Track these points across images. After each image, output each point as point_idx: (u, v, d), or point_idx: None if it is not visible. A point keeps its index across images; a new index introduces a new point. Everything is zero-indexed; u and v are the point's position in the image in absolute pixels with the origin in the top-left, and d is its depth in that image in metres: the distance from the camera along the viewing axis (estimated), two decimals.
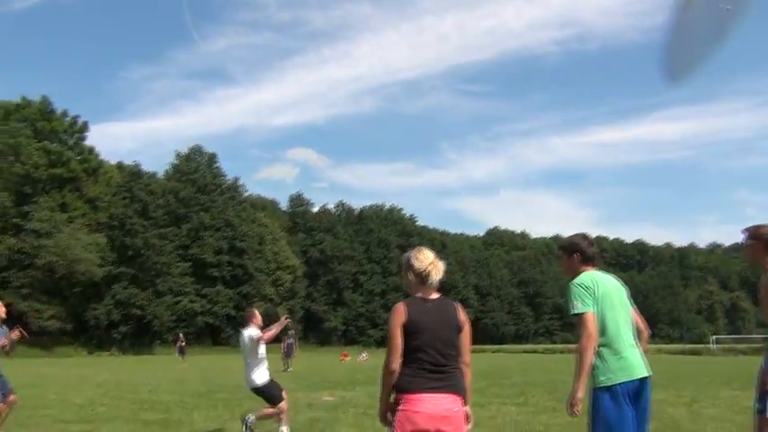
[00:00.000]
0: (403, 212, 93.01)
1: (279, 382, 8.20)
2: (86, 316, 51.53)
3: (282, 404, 7.76)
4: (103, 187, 58.08)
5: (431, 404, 3.23)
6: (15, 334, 7.37)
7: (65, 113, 57.45)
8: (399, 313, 3.37)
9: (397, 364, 3.31)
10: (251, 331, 7.78)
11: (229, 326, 60.36)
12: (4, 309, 7.74)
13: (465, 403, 3.37)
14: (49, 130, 54.61)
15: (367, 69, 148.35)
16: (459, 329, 3.42)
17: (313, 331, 74.01)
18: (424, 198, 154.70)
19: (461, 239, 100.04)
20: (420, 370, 3.29)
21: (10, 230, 48.45)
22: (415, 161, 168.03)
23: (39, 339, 48.30)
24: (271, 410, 7.81)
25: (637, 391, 3.68)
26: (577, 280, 3.84)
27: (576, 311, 3.71)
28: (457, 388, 3.34)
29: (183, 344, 39.40)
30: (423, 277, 3.45)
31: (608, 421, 3.60)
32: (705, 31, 2.46)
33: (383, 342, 40.91)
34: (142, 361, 39.43)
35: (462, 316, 3.46)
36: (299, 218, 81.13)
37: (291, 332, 27.36)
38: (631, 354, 3.75)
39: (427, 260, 3.47)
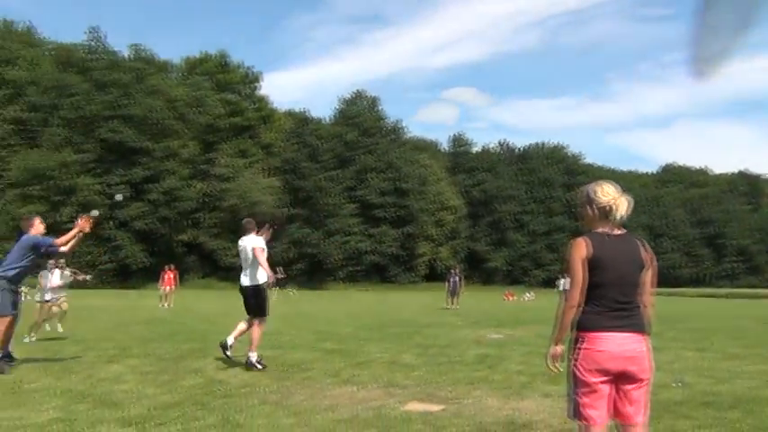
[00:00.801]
0: (567, 150, 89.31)
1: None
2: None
3: (248, 326, 8.48)
4: (276, 134, 61.80)
5: (614, 343, 3.15)
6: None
7: (240, 65, 61.46)
8: (581, 247, 3.24)
9: (580, 299, 3.22)
10: (253, 241, 8.54)
11: (395, 264, 62.54)
12: (42, 225, 8.68)
13: (648, 344, 3.24)
14: (227, 82, 58.85)
15: (527, 2, 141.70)
16: (642, 267, 3.26)
17: (476, 271, 74.52)
18: (589, 134, 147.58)
19: (631, 177, 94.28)
20: (602, 308, 3.20)
21: (199, 176, 53.39)
22: (580, 95, 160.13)
23: (227, 274, 53.47)
24: (244, 329, 8.45)
25: None
26: None
27: None
28: (641, 327, 3.22)
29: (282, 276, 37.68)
30: (605, 212, 3.30)
31: None
32: (731, 22, 2.31)
33: (548, 283, 40.41)
34: (317, 296, 42.20)
35: (647, 253, 3.29)
36: (460, 158, 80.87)
37: (456, 270, 27.79)
38: None
39: (610, 195, 3.31)
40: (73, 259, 42.06)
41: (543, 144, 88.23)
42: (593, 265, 3.21)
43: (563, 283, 35.88)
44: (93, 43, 49.81)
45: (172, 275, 24.51)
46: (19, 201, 44.17)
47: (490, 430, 5.02)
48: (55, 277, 12.04)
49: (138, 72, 48.73)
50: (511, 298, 40.98)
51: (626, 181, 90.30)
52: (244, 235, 8.70)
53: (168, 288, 24.02)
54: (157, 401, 5.93)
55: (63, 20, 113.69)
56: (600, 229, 3.31)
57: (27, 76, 48.22)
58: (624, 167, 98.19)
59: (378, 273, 63.58)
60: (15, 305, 7.83)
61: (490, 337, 12.91)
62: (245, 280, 8.52)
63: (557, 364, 3.40)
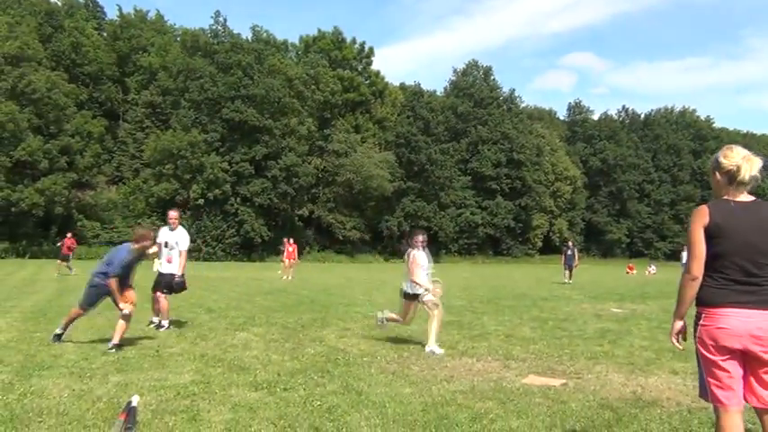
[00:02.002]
0: (696, 114, 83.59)
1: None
2: (381, 227, 56.84)
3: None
4: (389, 108, 62.19)
5: (737, 320, 2.91)
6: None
7: (353, 41, 62.19)
8: (701, 215, 3.01)
9: (699, 271, 3.00)
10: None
11: (510, 237, 61.64)
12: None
13: None
14: (341, 58, 59.79)
15: None
16: None
17: (594, 243, 71.95)
18: (721, 96, 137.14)
19: None
20: (726, 281, 2.95)
21: (316, 152, 54.89)
22: (710, 55, 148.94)
23: (344, 247, 54.94)
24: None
25: None
26: None
27: None
28: None
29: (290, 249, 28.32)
30: (731, 175, 3.01)
31: None
32: None
33: (673, 256, 38.20)
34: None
35: None
36: (577, 126, 77.90)
37: (570, 243, 26.92)
38: None
39: (738, 156, 3.02)
40: (199, 234, 45.01)
41: (670, 108, 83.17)
42: (713, 233, 2.97)
43: (685, 255, 34.23)
44: (216, 27, 52.23)
45: (291, 249, 25.27)
46: (153, 179, 47.50)
47: (615, 406, 4.88)
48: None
49: (258, 53, 50.54)
50: (632, 271, 39.26)
51: (763, 145, 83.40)
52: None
53: (289, 261, 24.82)
54: (283, 368, 6.24)
55: (189, 5, 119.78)
56: (726, 196, 3.06)
57: (158, 61, 51.45)
58: (761, 130, 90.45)
59: (492, 245, 62.95)
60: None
61: (611, 311, 12.47)
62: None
63: (679, 341, 3.19)
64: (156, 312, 9.14)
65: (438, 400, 4.99)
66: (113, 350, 6.97)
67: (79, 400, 4.85)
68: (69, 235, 24.43)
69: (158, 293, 9.08)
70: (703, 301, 3.03)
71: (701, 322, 3.03)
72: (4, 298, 13.21)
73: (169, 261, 9.17)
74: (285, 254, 25.19)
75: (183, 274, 9.19)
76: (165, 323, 8.90)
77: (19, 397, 4.92)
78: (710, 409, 4.79)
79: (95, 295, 7.65)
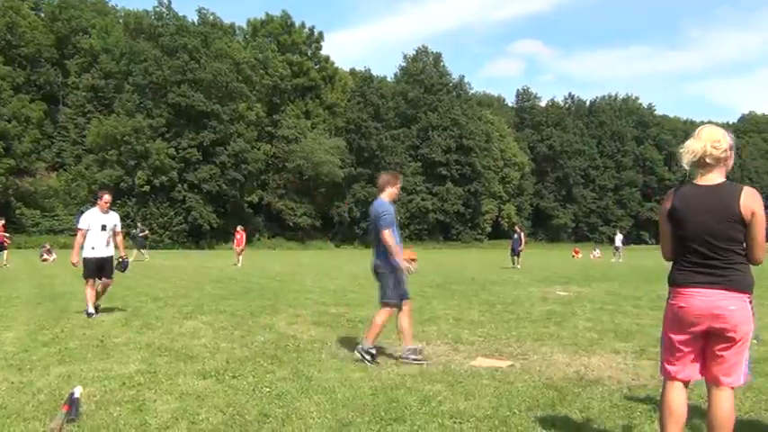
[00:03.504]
0: (639, 102, 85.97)
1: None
2: (331, 213, 56.71)
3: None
4: (339, 93, 61.88)
5: (699, 299, 2.99)
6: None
7: (302, 25, 61.45)
8: (666, 200, 3.11)
9: (665, 253, 3.16)
10: None
11: (459, 222, 62.38)
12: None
13: (750, 301, 3.00)
14: (290, 43, 59.05)
15: None
16: (733, 220, 2.93)
17: (542, 228, 73.49)
18: (662, 84, 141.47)
19: None
20: (687, 263, 3.05)
21: (265, 138, 54.27)
22: (652, 44, 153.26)
23: (294, 234, 54.62)
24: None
25: None
26: None
27: None
28: (734, 284, 2.96)
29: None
30: (692, 158, 3.01)
31: None
32: None
33: (623, 240, 39.19)
34: None
35: (747, 204, 2.93)
36: (525, 113, 79.18)
37: (517, 228, 27.39)
38: None
39: (697, 135, 3.03)
40: (146, 221, 44.11)
41: (613, 96, 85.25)
42: (673, 217, 3.06)
43: (618, 238, 35.53)
44: (161, 9, 50.80)
45: (239, 236, 25.10)
46: (96, 165, 46.11)
47: (559, 386, 5.01)
48: None
49: (205, 36, 49.47)
50: (578, 255, 40.30)
51: None
52: None
53: (239, 248, 24.73)
54: (232, 355, 6.17)
55: None
56: (696, 180, 3.08)
57: (100, 44, 49.76)
58: (700, 118, 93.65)
59: (442, 231, 63.62)
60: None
61: (557, 294, 12.77)
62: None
63: None
64: (98, 297, 9.06)
65: (388, 384, 5.03)
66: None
67: (18, 393, 4.70)
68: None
69: (104, 278, 9.02)
70: (670, 281, 3.15)
71: (669, 300, 3.14)
72: None
73: (107, 244, 9.00)
74: (235, 241, 25.11)
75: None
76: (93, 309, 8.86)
77: None
78: (649, 387, 4.98)
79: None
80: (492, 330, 7.87)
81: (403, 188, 49.31)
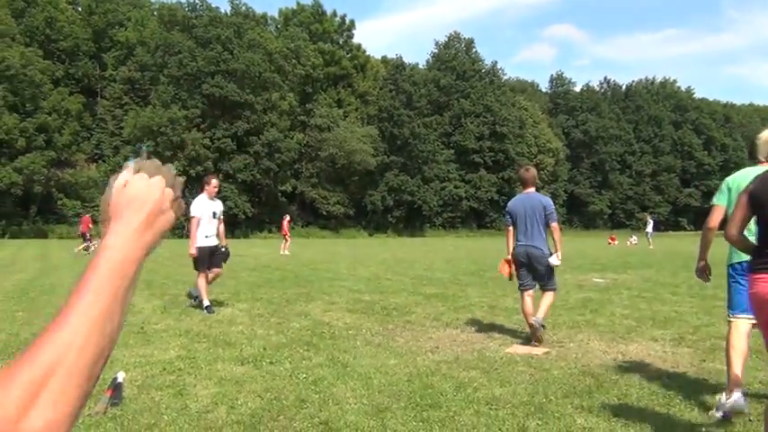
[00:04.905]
0: (677, 85, 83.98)
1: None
2: (364, 202, 56.82)
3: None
4: (371, 82, 61.76)
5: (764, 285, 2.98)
6: None
7: (334, 14, 61.41)
8: (752, 183, 3.12)
9: (734, 232, 3.12)
10: None
11: (493, 210, 61.97)
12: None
13: None
14: (322, 32, 59.07)
15: None
16: None
17: (577, 214, 72.59)
18: (701, 67, 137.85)
19: (749, 111, 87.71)
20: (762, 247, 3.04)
21: (298, 127, 54.50)
22: (691, 26, 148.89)
23: (327, 222, 54.92)
24: None
25: None
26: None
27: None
28: None
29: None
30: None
31: None
32: None
33: (655, 226, 38.46)
34: (415, 242, 42.60)
35: None
36: (559, 99, 78.02)
37: None
38: None
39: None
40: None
41: (651, 80, 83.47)
42: (751, 202, 3.04)
43: (650, 224, 35.35)
44: (194, 1, 51.22)
45: (285, 224, 25.71)
46: (134, 157, 46.95)
47: (596, 373, 4.97)
48: None
49: (238, 27, 49.78)
50: (614, 242, 39.70)
51: (743, 115, 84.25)
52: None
53: (286, 235, 25.28)
54: (269, 342, 6.26)
55: None
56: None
57: (135, 36, 50.50)
58: (741, 101, 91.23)
59: (475, 218, 63.27)
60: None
61: (593, 281, 12.62)
62: None
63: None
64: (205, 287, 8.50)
65: (423, 371, 5.05)
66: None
67: None
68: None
69: (215, 268, 8.61)
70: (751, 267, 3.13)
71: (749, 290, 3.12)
72: None
73: (217, 232, 8.52)
74: (281, 228, 25.63)
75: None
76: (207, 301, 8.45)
77: None
78: (689, 374, 4.91)
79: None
80: None
81: (436, 176, 49.00)
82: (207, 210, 8.36)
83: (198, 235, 8.27)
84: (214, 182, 8.57)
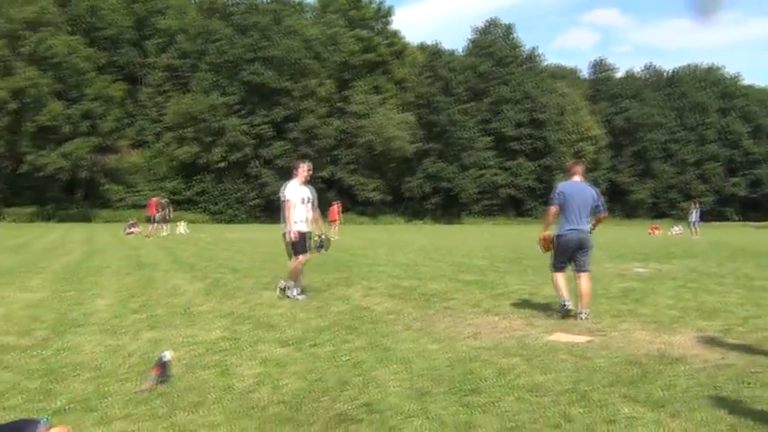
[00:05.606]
0: (724, 71, 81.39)
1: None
2: (402, 188, 56.75)
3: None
4: (409, 68, 61.42)
5: None
6: None
7: (371, 1, 61.13)
8: None
9: None
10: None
11: (532, 197, 61.26)
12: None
13: None
14: (359, 18, 58.88)
15: None
16: None
17: (618, 203, 71.27)
18: (750, 53, 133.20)
19: None
20: None
21: (335, 113, 54.62)
22: (740, 9, 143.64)
23: (365, 209, 55.06)
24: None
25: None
26: None
27: None
28: None
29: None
30: None
31: None
32: None
33: (700, 216, 37.45)
34: (452, 229, 42.42)
35: None
36: (601, 85, 76.41)
37: None
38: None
39: None
40: (223, 196, 45.55)
41: (696, 66, 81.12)
42: None
43: (694, 214, 33.48)
44: None
45: (335, 210, 26.39)
46: (175, 143, 47.72)
47: (641, 362, 4.89)
48: None
49: (275, 14, 50.02)
50: (656, 232, 38.88)
51: None
52: None
53: (334, 221, 25.71)
54: (310, 325, 6.33)
55: None
56: None
57: (176, 24, 51.16)
58: None
59: (514, 206, 62.66)
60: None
61: (635, 271, 12.40)
62: None
63: None
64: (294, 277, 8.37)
65: (463, 357, 5.04)
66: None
67: (113, 356, 4.98)
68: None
69: (308, 255, 8.50)
70: None
71: None
72: (35, 260, 13.50)
73: (307, 219, 8.41)
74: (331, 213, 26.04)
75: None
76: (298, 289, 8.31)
77: (54, 352, 5.06)
78: (737, 366, 4.79)
79: None
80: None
81: (474, 163, 48.59)
82: (298, 195, 8.31)
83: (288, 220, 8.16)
84: (304, 166, 8.50)
